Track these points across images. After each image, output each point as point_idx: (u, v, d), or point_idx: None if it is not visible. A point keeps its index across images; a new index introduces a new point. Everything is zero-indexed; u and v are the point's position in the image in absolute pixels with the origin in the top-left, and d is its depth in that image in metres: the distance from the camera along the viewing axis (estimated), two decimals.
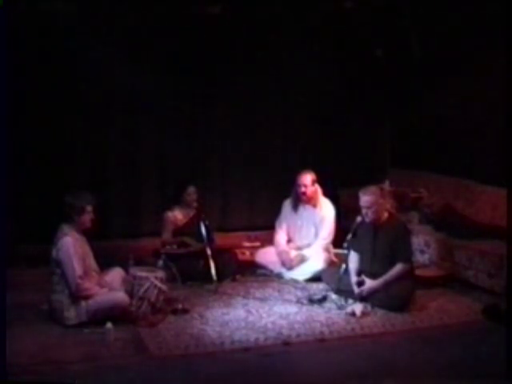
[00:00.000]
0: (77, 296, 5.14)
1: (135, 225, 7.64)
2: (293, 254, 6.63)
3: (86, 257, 5.32)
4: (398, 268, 5.59)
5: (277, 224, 6.84)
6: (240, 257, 6.96)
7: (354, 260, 5.78)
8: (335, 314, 5.50)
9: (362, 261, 5.76)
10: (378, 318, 5.41)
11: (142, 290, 5.29)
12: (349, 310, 5.51)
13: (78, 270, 5.14)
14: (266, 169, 8.03)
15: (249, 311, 5.59)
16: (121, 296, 5.26)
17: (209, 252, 6.05)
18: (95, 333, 4.98)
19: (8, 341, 3.97)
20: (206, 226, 6.22)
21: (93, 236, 5.51)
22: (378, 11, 7.78)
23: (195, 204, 6.53)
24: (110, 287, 5.38)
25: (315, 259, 6.50)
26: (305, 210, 6.70)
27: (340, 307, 5.60)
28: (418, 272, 5.98)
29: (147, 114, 7.55)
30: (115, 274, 5.56)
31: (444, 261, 6.39)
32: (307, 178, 6.59)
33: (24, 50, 6.67)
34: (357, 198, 5.73)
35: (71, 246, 5.16)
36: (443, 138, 7.41)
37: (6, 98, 4.07)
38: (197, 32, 7.40)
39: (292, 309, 5.65)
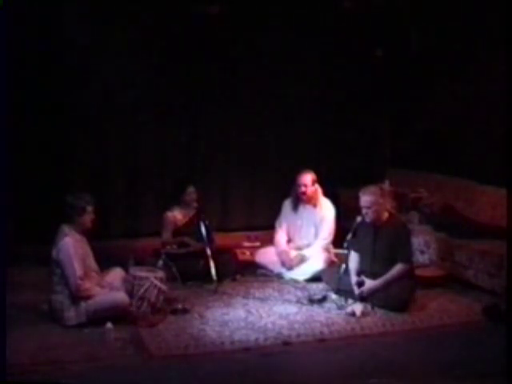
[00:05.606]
0: (77, 296, 5.14)
1: (135, 225, 7.64)
2: (293, 254, 6.62)
3: (86, 257, 5.32)
4: (398, 268, 5.59)
5: (277, 224, 6.84)
6: (240, 257, 6.95)
7: (354, 260, 5.78)
8: (335, 314, 5.49)
9: (362, 261, 5.76)
10: (378, 318, 5.41)
11: (142, 289, 5.28)
12: (349, 310, 5.51)
13: (79, 271, 5.14)
14: (266, 169, 8.03)
15: (249, 311, 5.59)
16: (121, 296, 5.26)
17: (209, 252, 6.03)
18: (95, 333, 4.98)
19: (8, 341, 3.97)
20: (206, 226, 6.21)
21: (93, 236, 5.51)
22: (378, 11, 7.78)
23: (195, 204, 6.52)
24: (110, 287, 5.38)
25: (315, 259, 6.49)
26: (305, 210, 6.69)
27: (340, 307, 5.59)
28: (418, 272, 5.97)
29: (147, 115, 7.54)
30: (115, 274, 5.56)
31: (444, 261, 6.39)
32: (307, 178, 6.58)
33: (24, 50, 6.67)
34: (357, 198, 5.73)
35: (71, 247, 5.16)
36: (443, 138, 7.41)
37: (6, 98, 4.07)
38: (196, 32, 7.41)
39: (292, 309, 5.65)
